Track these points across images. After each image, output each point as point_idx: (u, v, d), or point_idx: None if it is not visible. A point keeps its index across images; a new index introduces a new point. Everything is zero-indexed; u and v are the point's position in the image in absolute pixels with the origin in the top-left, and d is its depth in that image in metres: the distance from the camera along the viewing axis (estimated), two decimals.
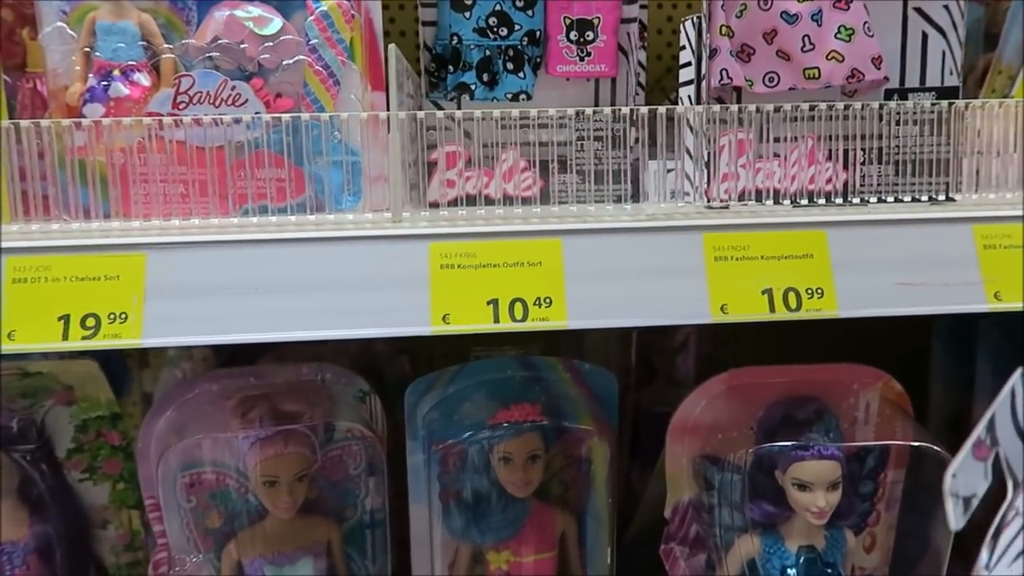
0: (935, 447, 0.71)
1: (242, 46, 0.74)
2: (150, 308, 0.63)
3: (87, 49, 0.73)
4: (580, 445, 0.82)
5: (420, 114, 0.69)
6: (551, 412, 0.80)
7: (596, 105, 0.80)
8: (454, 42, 0.76)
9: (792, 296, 0.66)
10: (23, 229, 0.67)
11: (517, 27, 0.75)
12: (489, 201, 0.72)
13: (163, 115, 0.73)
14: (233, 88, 0.74)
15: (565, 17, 0.76)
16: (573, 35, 0.76)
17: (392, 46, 0.67)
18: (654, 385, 1.21)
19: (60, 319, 0.63)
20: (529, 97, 0.77)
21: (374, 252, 0.65)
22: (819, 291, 0.66)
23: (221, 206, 0.71)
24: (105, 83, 0.73)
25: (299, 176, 0.74)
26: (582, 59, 0.77)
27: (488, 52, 0.76)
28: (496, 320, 0.64)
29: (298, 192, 0.74)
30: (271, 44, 0.75)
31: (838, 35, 0.72)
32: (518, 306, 0.64)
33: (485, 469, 0.78)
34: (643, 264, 0.66)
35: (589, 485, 0.83)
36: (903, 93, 0.74)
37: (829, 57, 0.72)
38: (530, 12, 0.76)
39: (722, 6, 0.73)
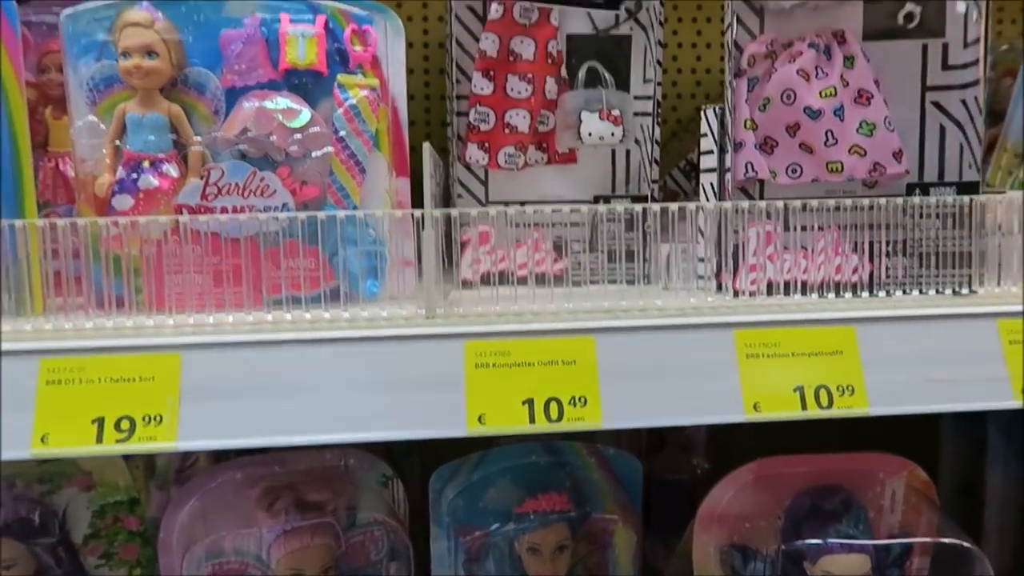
0: (963, 543, 0.71)
1: (271, 138, 0.75)
2: (185, 410, 0.63)
3: (117, 143, 0.74)
4: (605, 532, 0.82)
5: (454, 212, 0.69)
6: (576, 499, 0.80)
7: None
8: None
9: (824, 393, 0.66)
10: (56, 327, 0.67)
11: None
12: (512, 279, 0.72)
13: (192, 206, 0.74)
14: (262, 179, 0.74)
15: None
16: None
17: (426, 145, 0.68)
18: (664, 452, 1.21)
19: (94, 422, 0.62)
20: None
21: (409, 351, 0.65)
22: (850, 388, 0.67)
23: (254, 297, 0.71)
24: (134, 175, 0.73)
25: (326, 264, 0.74)
26: None
27: None
28: (532, 421, 0.64)
29: (327, 278, 0.74)
30: (299, 136, 0.75)
31: (860, 130, 0.74)
32: (553, 406, 0.65)
33: (511, 559, 0.78)
34: (676, 361, 0.66)
35: (613, 571, 0.82)
36: (924, 187, 0.75)
37: (851, 151, 0.74)
38: None
39: (746, 100, 0.75)
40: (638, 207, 0.70)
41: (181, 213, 0.73)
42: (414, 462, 1.02)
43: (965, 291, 0.73)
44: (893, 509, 0.77)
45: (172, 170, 0.74)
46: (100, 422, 0.62)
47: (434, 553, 0.81)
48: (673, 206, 0.70)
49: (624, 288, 0.73)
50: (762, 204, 0.71)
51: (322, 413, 0.63)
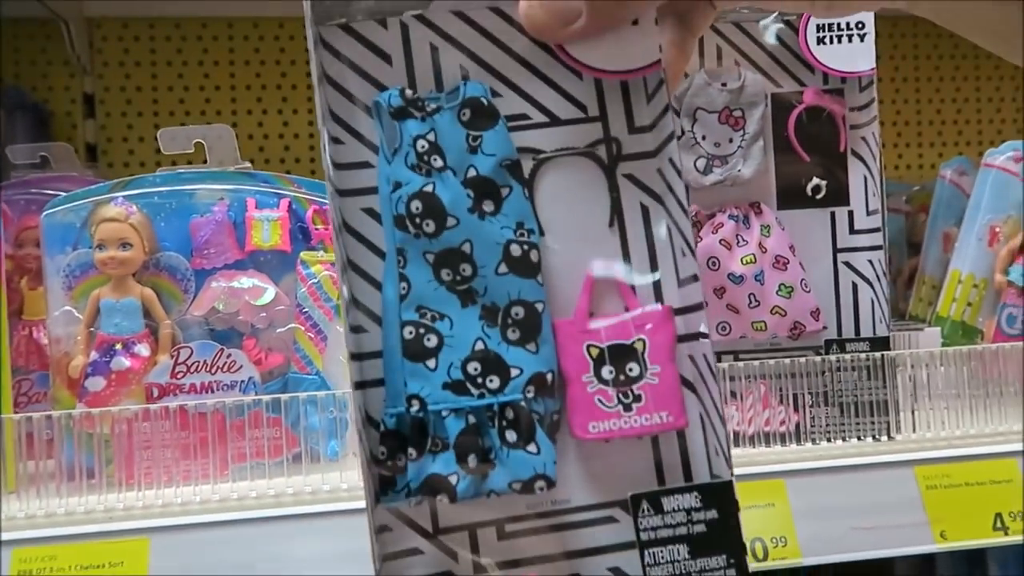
0: None
1: (238, 316, 0.80)
2: None
3: (91, 328, 0.78)
4: None
5: None
6: None
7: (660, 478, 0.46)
8: (414, 408, 0.43)
9: (759, 546, 0.71)
10: (28, 514, 0.70)
11: (515, 371, 0.44)
12: None
13: (162, 384, 0.78)
14: (228, 356, 0.79)
15: (589, 346, 0.45)
16: (607, 372, 0.45)
17: None
18: None
19: None
20: (551, 484, 0.43)
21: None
22: (783, 539, 0.72)
23: (220, 467, 0.75)
24: (107, 358, 0.78)
25: (289, 431, 0.78)
26: (627, 408, 0.44)
27: (473, 418, 0.44)
28: None
29: (291, 445, 0.78)
30: (264, 314, 0.81)
31: (779, 292, 0.81)
32: None
33: None
34: None
35: None
36: (840, 343, 0.82)
37: (773, 312, 0.81)
38: (531, 346, 0.44)
39: None
40: None
41: (152, 392, 0.78)
42: None
43: (884, 438, 0.79)
44: None
45: (143, 350, 0.79)
46: None
47: None
48: None
49: None
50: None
51: None
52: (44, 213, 0.79)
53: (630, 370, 0.43)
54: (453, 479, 0.42)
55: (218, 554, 0.67)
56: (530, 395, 0.43)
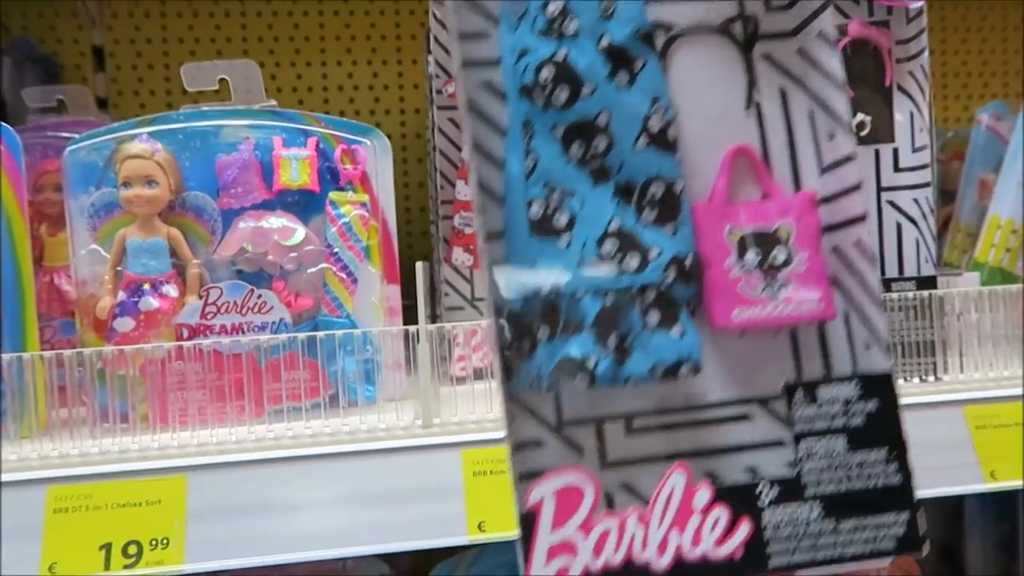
0: None
1: (267, 257, 0.78)
2: (192, 532, 0.64)
3: (118, 268, 0.76)
4: None
5: (447, 327, 0.73)
6: None
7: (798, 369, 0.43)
8: (545, 289, 0.40)
9: None
10: (62, 453, 0.68)
11: (654, 252, 0.41)
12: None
13: (192, 325, 0.76)
14: (259, 297, 0.77)
15: (731, 230, 0.43)
16: (751, 256, 0.42)
17: (419, 265, 0.72)
18: None
19: (101, 548, 0.63)
20: (697, 369, 0.41)
21: (408, 462, 0.68)
22: None
23: (256, 410, 0.74)
24: (135, 298, 0.76)
25: (324, 374, 0.77)
26: (773, 295, 0.42)
27: (611, 299, 0.41)
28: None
29: (325, 388, 0.76)
30: (295, 255, 0.79)
31: None
32: None
33: None
34: None
35: None
36: (885, 283, 0.80)
37: None
38: (669, 227, 0.42)
39: None
40: None
41: (182, 333, 0.76)
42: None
43: (931, 379, 0.77)
44: None
45: (172, 291, 0.77)
46: (108, 548, 0.63)
47: None
48: None
49: None
50: None
51: (326, 529, 0.65)
52: (66, 151, 0.77)
53: (775, 256, 0.41)
54: (591, 362, 0.40)
55: (259, 492, 0.66)
56: (670, 279, 0.41)
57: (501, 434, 0.69)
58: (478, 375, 0.82)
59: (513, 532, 0.67)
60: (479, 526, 0.66)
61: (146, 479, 0.65)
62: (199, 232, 0.80)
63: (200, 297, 0.77)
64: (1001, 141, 1.11)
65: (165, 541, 0.64)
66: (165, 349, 0.70)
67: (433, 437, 0.69)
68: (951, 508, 1.24)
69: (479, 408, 0.73)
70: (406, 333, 0.72)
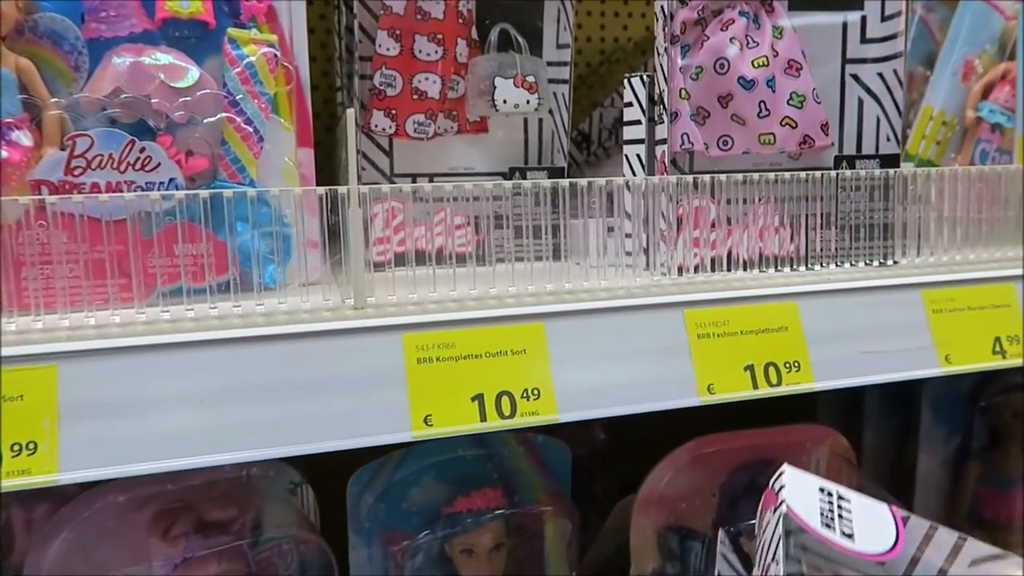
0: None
1: (152, 101, 0.63)
2: (66, 434, 0.51)
3: None
4: (535, 523, 0.77)
5: (384, 188, 0.61)
6: (507, 492, 0.75)
7: None
8: None
9: (772, 371, 0.65)
10: None
11: None
12: (429, 260, 0.65)
13: (53, 182, 0.61)
14: (142, 150, 0.63)
15: None
16: None
17: (349, 111, 0.60)
18: (562, 426, 1.19)
19: None
20: None
21: (338, 348, 0.57)
22: (796, 364, 0.66)
23: (143, 292, 0.60)
24: None
25: (221, 249, 0.64)
26: None
27: None
28: (483, 419, 0.58)
29: (220, 269, 0.64)
30: (187, 99, 0.64)
31: (790, 101, 0.72)
32: (505, 400, 0.59)
33: (443, 563, 0.72)
34: (628, 346, 0.63)
35: (544, 563, 0.78)
36: (849, 160, 0.75)
37: (783, 123, 0.72)
38: None
39: (680, 68, 0.72)
40: (583, 182, 0.65)
41: (39, 191, 0.60)
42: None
43: (889, 262, 0.74)
44: (819, 474, 0.78)
45: (23, 138, 0.61)
46: None
47: (353, 563, 0.73)
48: (618, 181, 0.66)
49: (557, 267, 0.68)
50: (706, 178, 0.68)
51: (239, 426, 0.54)
52: None
53: None
54: None
55: (152, 384, 0.53)
56: None
57: (446, 316, 0.60)
58: (399, 261, 0.71)
59: (464, 425, 0.59)
60: (425, 420, 0.57)
61: (8, 368, 0.51)
62: (58, 66, 0.63)
63: (63, 148, 0.61)
64: (930, 35, 1.08)
65: (32, 446, 0.51)
66: (21, 205, 0.55)
67: (368, 319, 0.58)
68: (853, 399, 1.26)
69: (420, 289, 0.63)
70: (327, 196, 0.60)
